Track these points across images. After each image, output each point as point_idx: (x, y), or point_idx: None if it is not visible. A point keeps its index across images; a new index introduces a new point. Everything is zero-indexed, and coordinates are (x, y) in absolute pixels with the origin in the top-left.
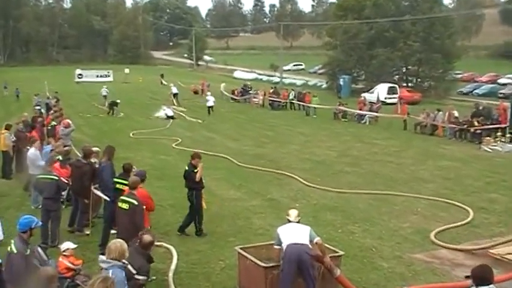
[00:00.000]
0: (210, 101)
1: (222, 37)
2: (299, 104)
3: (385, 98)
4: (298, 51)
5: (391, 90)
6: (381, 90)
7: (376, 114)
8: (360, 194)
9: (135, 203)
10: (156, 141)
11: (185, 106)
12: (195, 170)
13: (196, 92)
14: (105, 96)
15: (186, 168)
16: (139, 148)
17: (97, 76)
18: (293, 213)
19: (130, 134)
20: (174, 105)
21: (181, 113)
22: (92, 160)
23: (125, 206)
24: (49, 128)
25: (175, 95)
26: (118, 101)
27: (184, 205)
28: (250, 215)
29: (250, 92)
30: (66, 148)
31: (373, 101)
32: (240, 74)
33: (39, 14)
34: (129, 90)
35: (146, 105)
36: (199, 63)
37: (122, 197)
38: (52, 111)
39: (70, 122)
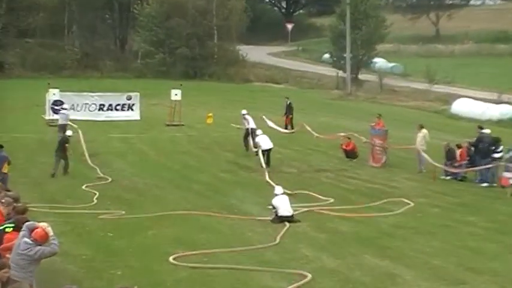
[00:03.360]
0: (266, 142)
1: (422, 10)
2: None
3: None
4: None
5: None
6: None
7: None
8: None
9: None
10: (243, 276)
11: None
12: None
13: (352, 153)
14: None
15: None
16: None
17: (101, 108)
18: None
19: (171, 259)
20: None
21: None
22: None
23: None
24: None
25: (252, 132)
26: (69, 133)
27: None
28: None
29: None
30: None
31: None
32: (466, 104)
33: None
34: (182, 145)
35: (221, 184)
36: (362, 76)
37: None
38: None
39: (49, 231)
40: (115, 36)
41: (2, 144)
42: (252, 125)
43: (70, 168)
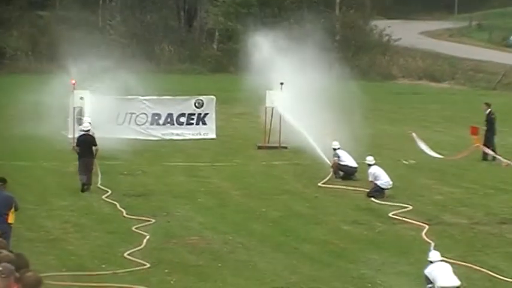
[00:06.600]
0: (384, 176)
1: None
2: None
3: None
4: None
5: None
6: None
7: None
8: None
9: None
10: None
11: None
12: None
13: None
14: None
15: None
16: None
17: (156, 120)
18: None
19: None
20: None
21: None
22: None
23: None
24: None
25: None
26: (86, 125)
27: None
28: None
29: None
30: None
31: None
32: None
33: None
34: (283, 180)
35: (346, 242)
36: None
37: None
38: None
39: None
40: (178, 7)
41: (4, 178)
42: (349, 162)
43: (104, 216)
